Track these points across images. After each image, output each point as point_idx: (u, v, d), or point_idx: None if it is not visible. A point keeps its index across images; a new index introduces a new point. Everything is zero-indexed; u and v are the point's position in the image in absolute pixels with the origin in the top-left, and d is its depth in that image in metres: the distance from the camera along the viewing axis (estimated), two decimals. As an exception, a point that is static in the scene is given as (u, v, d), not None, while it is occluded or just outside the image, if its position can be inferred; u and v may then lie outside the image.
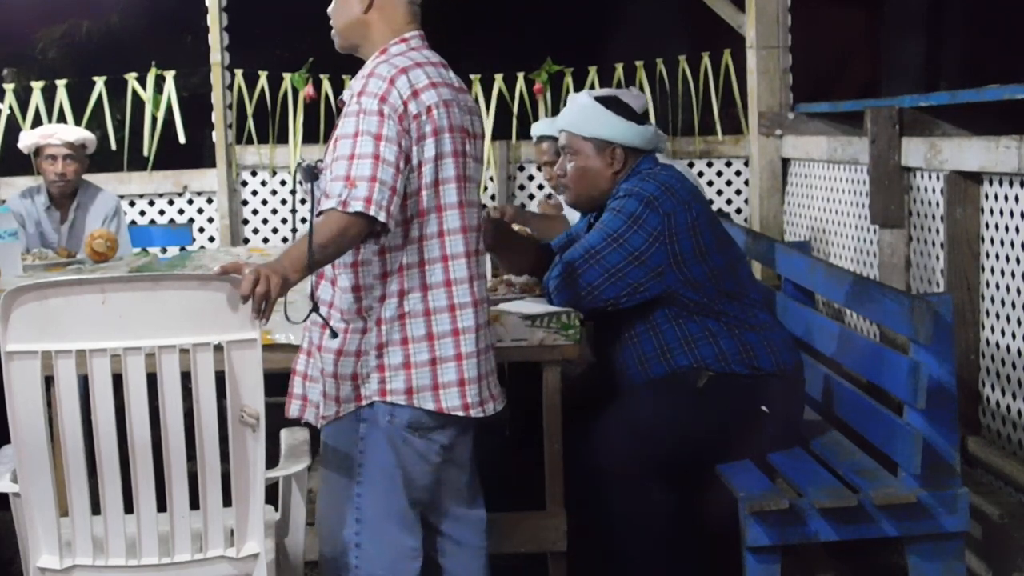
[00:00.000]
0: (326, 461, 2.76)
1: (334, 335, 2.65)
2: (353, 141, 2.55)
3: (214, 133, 6.25)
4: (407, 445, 2.68)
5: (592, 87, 6.10)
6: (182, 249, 5.80)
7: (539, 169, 5.12)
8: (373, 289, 2.64)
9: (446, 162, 2.65)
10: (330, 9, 2.78)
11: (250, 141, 6.22)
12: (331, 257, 2.55)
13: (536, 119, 6.20)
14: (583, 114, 3.42)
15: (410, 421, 2.66)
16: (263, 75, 6.15)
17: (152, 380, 2.45)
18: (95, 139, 5.13)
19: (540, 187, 6.20)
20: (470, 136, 2.73)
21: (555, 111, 6.23)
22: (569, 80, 6.22)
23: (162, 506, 2.53)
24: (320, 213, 2.54)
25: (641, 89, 6.18)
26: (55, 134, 4.99)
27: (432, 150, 2.62)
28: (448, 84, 2.69)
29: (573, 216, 4.35)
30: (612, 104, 3.41)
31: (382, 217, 2.50)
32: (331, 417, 2.70)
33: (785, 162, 6.07)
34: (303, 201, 2.65)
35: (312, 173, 2.62)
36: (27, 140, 5.10)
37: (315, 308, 2.63)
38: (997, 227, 3.89)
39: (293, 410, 2.77)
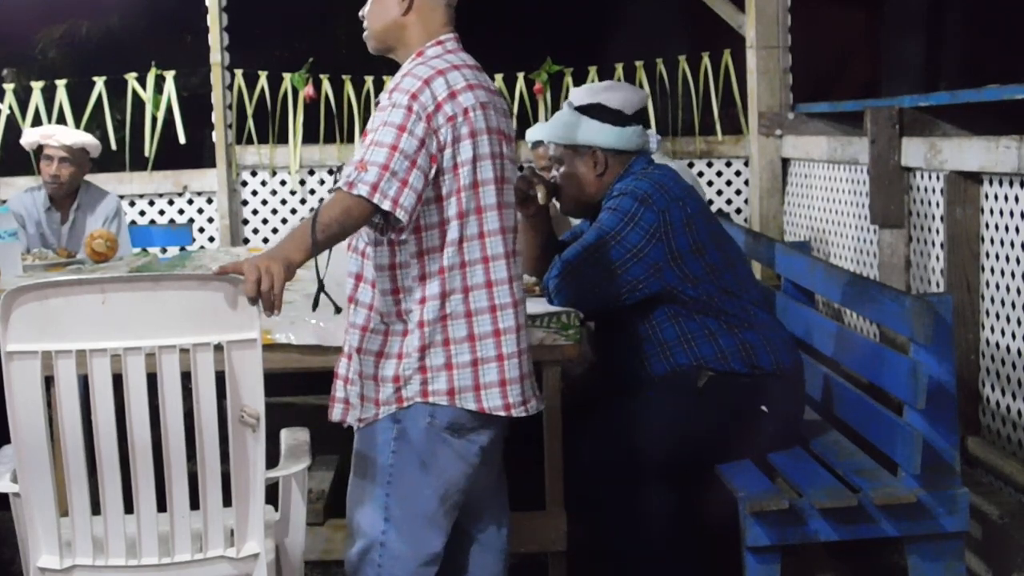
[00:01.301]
0: (358, 461, 2.75)
1: (338, 310, 2.64)
2: (376, 130, 2.56)
3: (214, 133, 6.25)
4: (446, 446, 2.68)
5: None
6: (182, 249, 5.80)
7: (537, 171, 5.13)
8: (412, 292, 2.64)
9: (484, 164, 2.65)
10: (363, 12, 2.77)
11: (250, 141, 6.22)
12: (335, 238, 2.53)
13: (536, 119, 6.20)
14: (561, 123, 3.47)
15: (451, 422, 2.66)
16: (263, 75, 6.15)
17: (152, 380, 2.45)
18: (98, 144, 5.12)
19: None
20: (506, 138, 2.73)
21: (555, 111, 6.22)
22: (569, 80, 6.22)
23: (162, 506, 2.53)
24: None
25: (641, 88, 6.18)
26: (54, 135, 4.99)
27: (469, 152, 2.62)
28: (484, 86, 2.70)
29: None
30: (590, 110, 3.45)
31: (386, 206, 2.49)
32: (369, 419, 2.69)
33: (785, 162, 6.07)
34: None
35: None
36: (29, 137, 5.11)
37: (321, 286, 2.62)
38: (997, 227, 3.89)
39: (336, 414, 2.76)
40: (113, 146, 6.19)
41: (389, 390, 2.66)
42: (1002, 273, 3.86)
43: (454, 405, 2.65)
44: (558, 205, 3.64)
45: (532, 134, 4.89)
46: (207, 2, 6.10)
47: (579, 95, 3.70)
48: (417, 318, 2.63)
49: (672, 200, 3.27)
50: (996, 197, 3.90)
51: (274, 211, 6.29)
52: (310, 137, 6.21)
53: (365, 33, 2.78)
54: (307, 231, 2.46)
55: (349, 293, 2.72)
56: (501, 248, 2.68)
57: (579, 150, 3.43)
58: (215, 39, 6.11)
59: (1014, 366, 3.77)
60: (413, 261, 2.63)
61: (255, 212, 6.29)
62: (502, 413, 2.67)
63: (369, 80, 6.08)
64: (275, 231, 6.28)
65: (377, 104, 2.69)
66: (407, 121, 2.55)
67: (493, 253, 2.67)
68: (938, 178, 4.22)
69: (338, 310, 2.65)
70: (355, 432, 2.76)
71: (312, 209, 2.60)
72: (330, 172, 2.65)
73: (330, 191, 2.57)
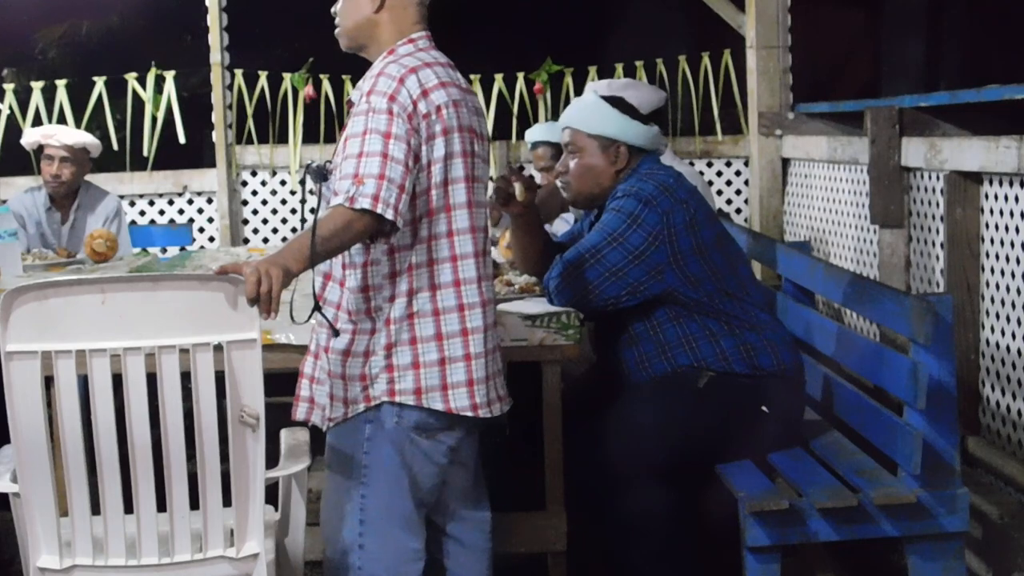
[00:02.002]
0: (331, 463, 2.76)
1: (336, 334, 2.65)
2: (362, 139, 2.55)
3: (214, 133, 6.25)
4: (414, 446, 2.68)
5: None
6: (182, 249, 5.80)
7: (538, 172, 5.13)
8: (383, 289, 2.64)
9: (455, 162, 2.65)
10: (336, 8, 2.77)
11: (250, 141, 6.22)
12: (334, 251, 2.54)
13: (536, 119, 6.20)
14: (588, 111, 3.41)
15: (418, 422, 2.66)
16: (263, 75, 6.15)
17: (152, 380, 2.45)
18: (99, 144, 5.12)
19: (539, 187, 6.19)
20: (478, 136, 2.73)
21: (555, 111, 6.24)
22: (569, 80, 6.22)
23: (162, 506, 2.53)
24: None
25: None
26: (55, 135, 4.98)
27: (442, 149, 2.62)
28: (456, 84, 2.70)
29: None
30: (616, 103, 3.42)
31: (389, 215, 2.50)
32: (338, 419, 2.70)
33: (785, 162, 6.07)
34: (304, 201, 2.64)
35: (322, 174, 2.62)
36: (30, 137, 5.10)
37: (317, 307, 2.62)
38: (997, 227, 3.89)
39: (300, 413, 2.77)
40: (113, 146, 6.19)
41: (357, 389, 2.66)
42: (1002, 273, 3.86)
43: (421, 405, 2.65)
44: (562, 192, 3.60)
45: (535, 134, 4.87)
46: (207, 2, 6.10)
47: (601, 88, 3.66)
48: (385, 316, 2.63)
49: (676, 202, 3.26)
50: (996, 197, 3.90)
51: (274, 211, 6.29)
52: (310, 137, 6.21)
53: (337, 30, 2.77)
54: (306, 243, 2.46)
55: (317, 291, 2.71)
56: (470, 247, 2.68)
57: (602, 141, 3.40)
58: (215, 39, 6.11)
59: (1014, 366, 3.77)
60: (384, 258, 2.63)
61: (255, 212, 6.29)
62: (469, 413, 2.67)
63: (369, 80, 6.07)
64: (275, 231, 6.28)
65: (349, 103, 2.68)
66: (391, 126, 2.54)
67: (462, 252, 2.67)
68: (938, 178, 4.22)
69: (336, 333, 2.65)
70: (326, 433, 2.76)
71: (312, 210, 2.59)
72: (307, 170, 2.60)
73: (309, 191, 2.57)
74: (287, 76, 6.16)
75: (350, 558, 2.72)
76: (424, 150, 2.60)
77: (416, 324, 2.64)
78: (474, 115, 2.73)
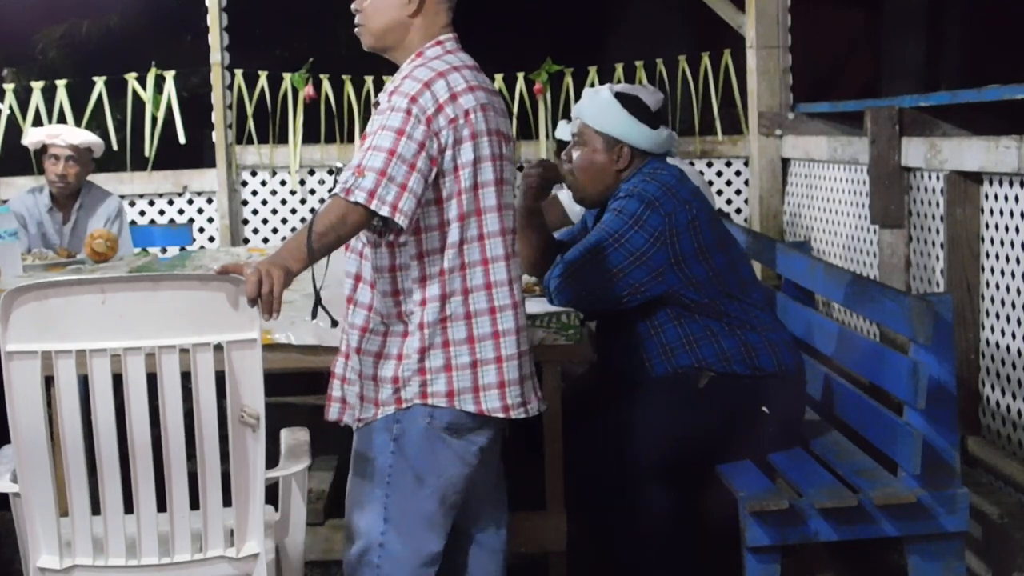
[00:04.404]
0: (357, 462, 2.75)
1: (334, 324, 2.64)
2: (374, 134, 2.54)
3: (214, 133, 6.25)
4: (445, 447, 2.67)
5: (592, 87, 6.08)
6: (182, 249, 5.80)
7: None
8: (412, 293, 2.63)
9: (484, 166, 2.64)
10: (357, 5, 2.70)
11: (250, 141, 6.22)
12: (331, 246, 2.52)
13: (536, 119, 6.20)
14: (599, 107, 3.40)
15: (450, 423, 2.66)
16: (263, 75, 6.14)
17: (152, 380, 2.45)
18: (102, 144, 5.12)
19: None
20: (505, 139, 2.72)
21: (555, 111, 6.24)
22: (569, 80, 6.22)
23: (162, 506, 2.53)
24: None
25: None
26: (60, 135, 4.98)
27: (470, 154, 2.61)
28: (484, 88, 2.69)
29: (566, 196, 4.29)
30: (630, 103, 3.40)
31: (384, 212, 2.48)
32: (368, 419, 2.69)
33: (785, 162, 6.07)
34: (305, 201, 2.63)
35: None
36: (33, 137, 5.09)
37: (318, 299, 2.61)
38: (997, 227, 3.89)
39: (332, 413, 2.76)
40: (114, 146, 6.19)
41: (388, 391, 2.66)
42: (1002, 273, 3.86)
43: (453, 407, 2.65)
44: (560, 194, 3.60)
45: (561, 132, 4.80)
46: (207, 2, 6.10)
47: (616, 86, 3.64)
48: (417, 320, 2.63)
49: (679, 203, 3.25)
50: (996, 197, 3.90)
51: (274, 211, 6.29)
52: (310, 137, 6.21)
53: (359, 28, 2.72)
54: (303, 240, 2.45)
55: (348, 294, 2.71)
56: (501, 250, 2.68)
57: (607, 139, 3.38)
58: (215, 39, 6.11)
59: (1014, 366, 3.77)
60: (413, 263, 2.63)
61: (255, 212, 6.29)
62: (500, 415, 2.67)
63: (369, 80, 6.08)
64: (275, 231, 6.28)
65: (376, 105, 2.68)
66: (406, 125, 2.53)
67: (493, 255, 2.66)
68: (938, 178, 4.22)
69: (334, 323, 2.65)
70: (354, 432, 2.76)
71: (312, 210, 2.59)
72: (330, 172, 2.62)
73: (329, 191, 2.57)
74: (287, 76, 6.16)
75: (370, 555, 2.72)
76: (449, 155, 2.59)
77: (449, 328, 2.63)
78: (501, 118, 2.72)
